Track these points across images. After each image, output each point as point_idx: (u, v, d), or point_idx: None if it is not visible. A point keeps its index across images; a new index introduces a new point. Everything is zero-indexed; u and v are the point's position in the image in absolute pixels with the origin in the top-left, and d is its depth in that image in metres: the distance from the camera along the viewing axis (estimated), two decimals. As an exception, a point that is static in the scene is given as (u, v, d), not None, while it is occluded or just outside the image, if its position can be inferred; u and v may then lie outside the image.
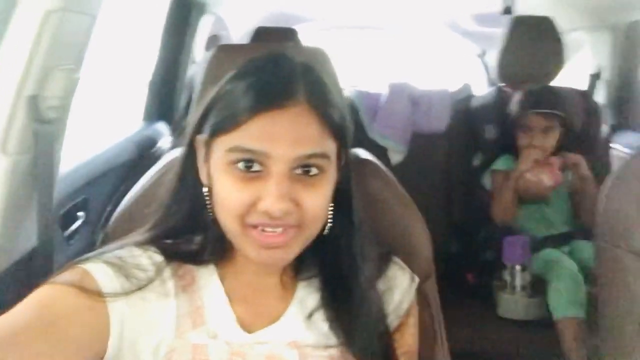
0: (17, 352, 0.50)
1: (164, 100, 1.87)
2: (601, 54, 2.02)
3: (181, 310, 0.62)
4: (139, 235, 0.67)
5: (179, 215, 0.66)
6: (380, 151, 1.88)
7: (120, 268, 0.60)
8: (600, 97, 2.00)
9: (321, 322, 0.66)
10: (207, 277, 0.65)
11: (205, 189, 0.63)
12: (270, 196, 0.56)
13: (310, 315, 0.66)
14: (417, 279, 0.75)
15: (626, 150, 1.81)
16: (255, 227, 0.58)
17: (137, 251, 0.64)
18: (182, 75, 1.92)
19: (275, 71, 0.60)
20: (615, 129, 1.94)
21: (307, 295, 0.68)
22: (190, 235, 0.67)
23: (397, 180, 0.91)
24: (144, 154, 1.52)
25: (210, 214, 0.63)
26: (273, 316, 0.65)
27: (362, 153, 0.94)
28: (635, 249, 0.87)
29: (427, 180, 1.86)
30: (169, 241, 0.66)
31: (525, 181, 1.59)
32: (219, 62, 0.91)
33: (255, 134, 0.57)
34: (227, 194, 0.58)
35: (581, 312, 1.35)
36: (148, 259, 0.63)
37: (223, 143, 0.59)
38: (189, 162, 0.65)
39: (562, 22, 1.81)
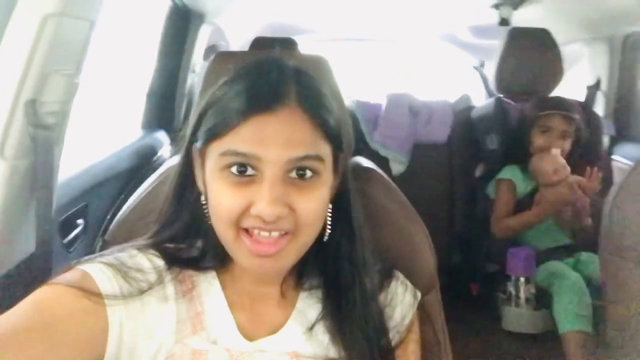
0: (14, 354, 0.49)
1: (164, 109, 1.86)
2: (599, 66, 2.03)
3: (181, 315, 0.61)
4: (140, 241, 0.66)
5: (179, 224, 0.65)
6: (381, 162, 1.87)
7: (120, 270, 0.59)
8: (599, 108, 2.01)
9: (322, 334, 0.65)
10: (208, 284, 0.64)
11: (203, 197, 0.62)
12: (263, 200, 0.55)
13: (311, 327, 0.65)
14: (419, 295, 0.73)
15: (627, 161, 1.81)
16: (249, 233, 0.57)
17: (136, 253, 0.63)
18: (182, 84, 1.92)
19: (265, 75, 0.59)
20: (615, 140, 1.95)
21: (308, 306, 0.66)
22: (192, 241, 0.66)
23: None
24: (144, 163, 1.51)
25: (209, 221, 0.62)
26: (274, 326, 0.64)
27: (365, 162, 0.93)
28: (641, 258, 0.86)
29: (429, 190, 1.85)
30: (170, 245, 0.65)
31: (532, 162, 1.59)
32: (217, 70, 0.90)
33: (247, 137, 0.56)
34: (220, 199, 0.57)
35: (587, 325, 1.33)
36: (148, 261, 0.62)
37: (216, 148, 0.58)
38: (187, 171, 0.65)
39: (558, 35, 1.82)
